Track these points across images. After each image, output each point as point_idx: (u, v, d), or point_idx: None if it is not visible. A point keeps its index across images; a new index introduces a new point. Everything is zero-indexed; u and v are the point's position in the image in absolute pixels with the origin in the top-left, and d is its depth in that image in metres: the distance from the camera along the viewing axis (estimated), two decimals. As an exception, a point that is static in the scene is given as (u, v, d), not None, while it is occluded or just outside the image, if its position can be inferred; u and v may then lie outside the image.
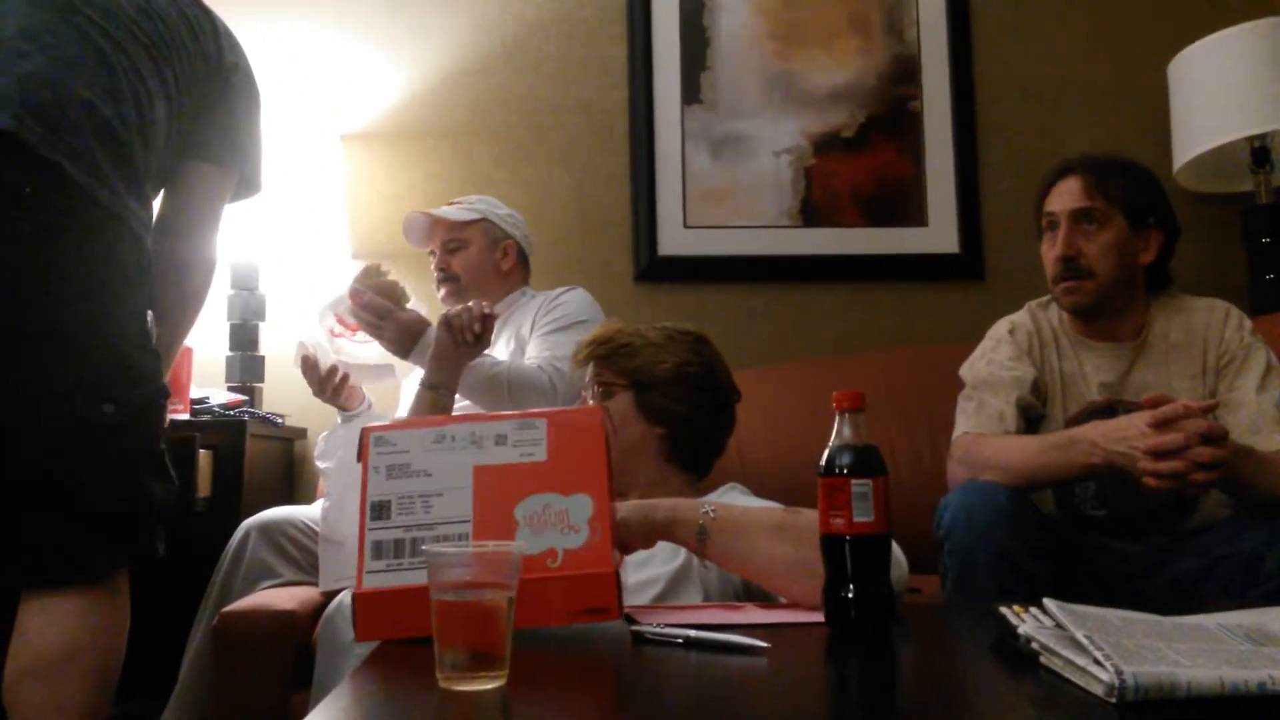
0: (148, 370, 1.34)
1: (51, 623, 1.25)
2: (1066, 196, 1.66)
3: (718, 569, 1.31)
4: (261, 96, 1.55)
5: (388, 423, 1.08)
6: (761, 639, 0.88)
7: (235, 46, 1.51)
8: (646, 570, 1.33)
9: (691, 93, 2.51)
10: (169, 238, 1.43)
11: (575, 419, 1.04)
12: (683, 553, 1.33)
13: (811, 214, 2.49)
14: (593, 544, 0.96)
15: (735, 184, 2.49)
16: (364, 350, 1.89)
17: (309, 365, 1.86)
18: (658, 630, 0.94)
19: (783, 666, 0.87)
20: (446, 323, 1.67)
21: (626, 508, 1.12)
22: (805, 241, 2.48)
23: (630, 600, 1.22)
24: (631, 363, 1.47)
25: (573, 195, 2.47)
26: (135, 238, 1.32)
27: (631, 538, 1.12)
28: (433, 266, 2.06)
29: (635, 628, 0.96)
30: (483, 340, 1.67)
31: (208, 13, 1.49)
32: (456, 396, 1.72)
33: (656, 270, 2.44)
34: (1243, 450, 1.41)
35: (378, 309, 1.73)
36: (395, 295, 1.76)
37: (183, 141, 1.43)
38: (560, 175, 2.47)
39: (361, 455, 1.02)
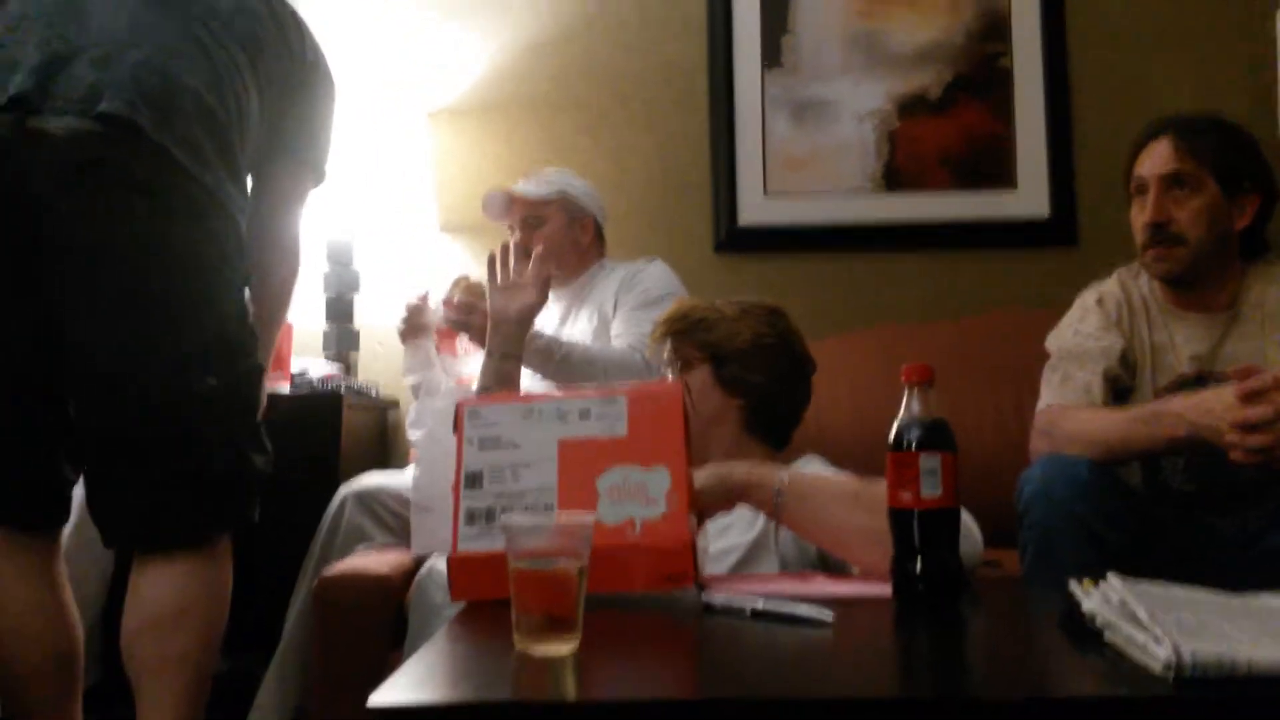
0: (247, 345, 1.43)
1: (162, 584, 1.36)
2: (1156, 160, 1.61)
3: (794, 539, 1.33)
4: (334, 92, 1.63)
5: (482, 397, 1.14)
6: (831, 611, 0.91)
7: (315, 46, 1.59)
8: (725, 539, 1.36)
9: (772, 56, 2.49)
10: (261, 227, 1.51)
11: (654, 395, 1.09)
12: (760, 523, 1.37)
13: (895, 179, 2.45)
14: (670, 515, 1.01)
15: (816, 150, 2.47)
16: (466, 368, 2.03)
17: (415, 311, 1.96)
18: (726, 601, 0.97)
19: (848, 638, 0.89)
20: (491, 271, 1.71)
21: (704, 472, 1.15)
22: (889, 208, 2.44)
23: (709, 568, 1.26)
24: (709, 336, 1.50)
25: (654, 164, 2.48)
26: (233, 220, 1.41)
27: (710, 501, 1.14)
28: (513, 243, 2.11)
29: (705, 598, 0.99)
30: (530, 292, 1.69)
31: (293, 13, 1.56)
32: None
33: (736, 240, 2.44)
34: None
35: (464, 305, 1.80)
36: (480, 293, 1.82)
37: (270, 136, 1.52)
38: (641, 144, 2.49)
39: (457, 427, 1.08)
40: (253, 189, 1.53)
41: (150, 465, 1.35)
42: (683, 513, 1.01)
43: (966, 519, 1.12)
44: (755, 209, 2.45)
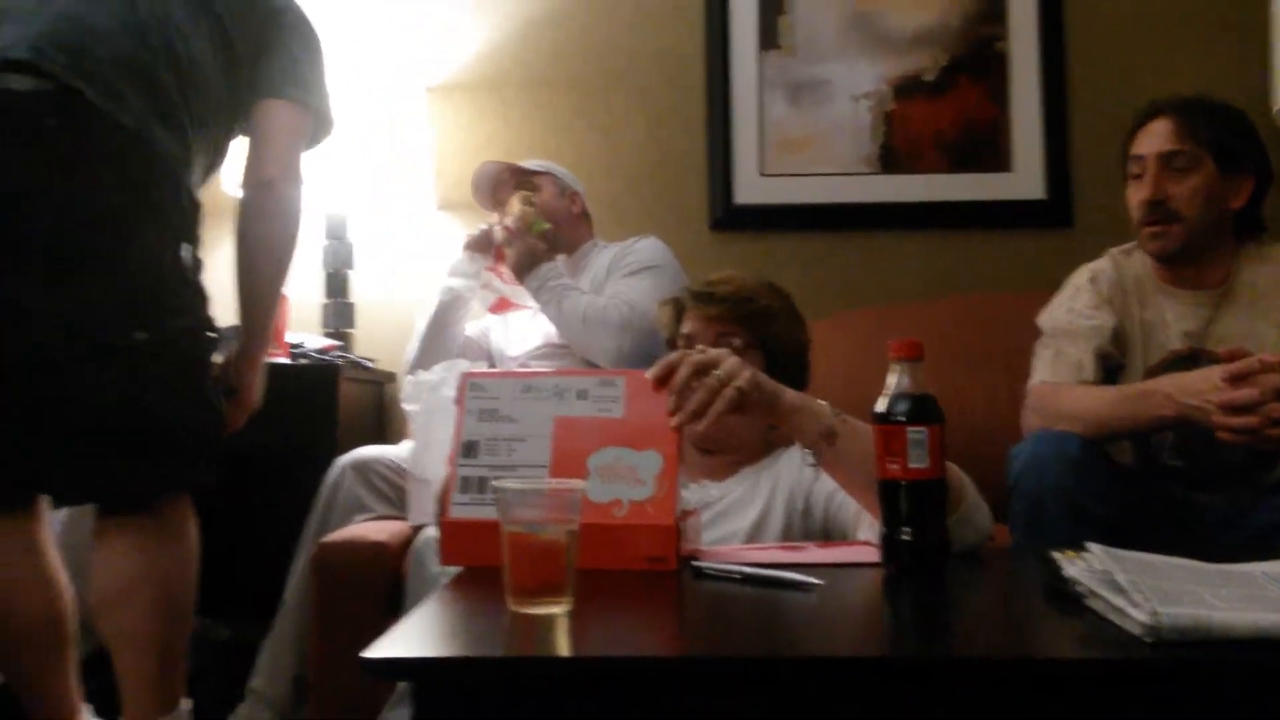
0: (185, 302, 1.39)
1: (112, 558, 1.34)
2: (1155, 139, 1.62)
3: (800, 519, 1.34)
4: (320, 37, 1.59)
5: (484, 370, 1.16)
6: (819, 578, 0.92)
7: None
8: (726, 525, 1.36)
9: (769, 37, 2.49)
10: (250, 181, 1.49)
11: (647, 379, 1.10)
12: (759, 505, 1.37)
13: (891, 160, 2.46)
14: (657, 498, 1.03)
15: (813, 130, 2.47)
16: (508, 289, 2.12)
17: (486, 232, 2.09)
18: (716, 566, 0.99)
19: (834, 601, 0.91)
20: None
21: (750, 371, 1.10)
22: (884, 188, 2.45)
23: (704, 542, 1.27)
24: (769, 328, 1.48)
25: (649, 143, 2.49)
26: (165, 166, 1.36)
27: (750, 402, 1.08)
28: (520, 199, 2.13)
29: (695, 563, 1.01)
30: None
31: None
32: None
33: (732, 219, 2.45)
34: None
35: (519, 224, 1.99)
36: (529, 221, 2.00)
37: (251, 83, 1.49)
38: (636, 123, 2.49)
39: (459, 398, 1.10)
40: (248, 144, 1.52)
41: (72, 420, 1.30)
42: (670, 496, 1.03)
43: (976, 497, 1.13)
44: (751, 188, 2.46)
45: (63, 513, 1.66)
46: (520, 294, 2.06)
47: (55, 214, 1.29)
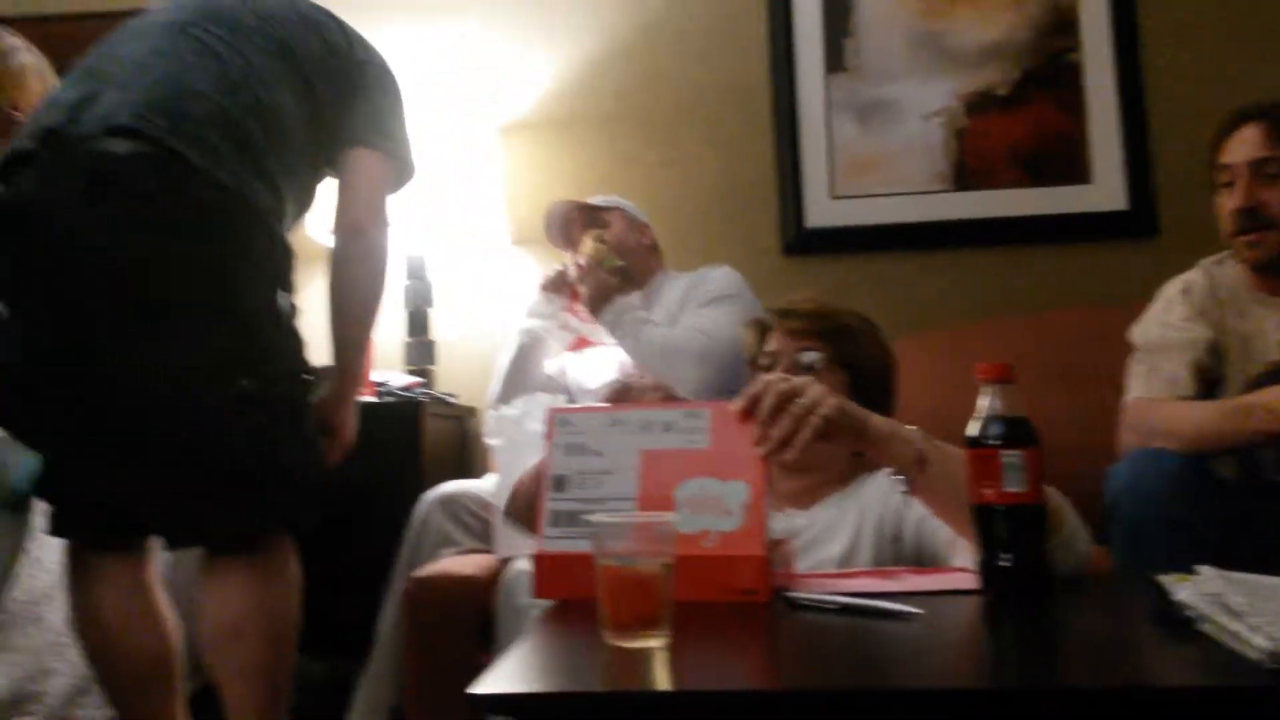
0: (284, 347, 1.44)
1: (221, 597, 1.39)
2: (1245, 146, 1.57)
3: (890, 546, 1.32)
4: (400, 86, 1.65)
5: (572, 406, 1.19)
6: (917, 606, 0.91)
7: (365, 45, 1.63)
8: (815, 554, 1.34)
9: (835, 60, 2.49)
10: (340, 227, 1.55)
11: (732, 410, 1.10)
12: (848, 533, 1.35)
13: (964, 177, 2.43)
14: (746, 528, 1.03)
15: (883, 151, 2.46)
16: (585, 327, 2.14)
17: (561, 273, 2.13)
18: (811, 596, 0.98)
19: (936, 631, 0.89)
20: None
21: (836, 400, 1.09)
22: (958, 206, 2.42)
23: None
24: (851, 348, 1.47)
25: (718, 172, 2.50)
26: (260, 218, 1.41)
27: (836, 429, 1.07)
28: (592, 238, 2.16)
29: (790, 594, 1.00)
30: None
31: (330, 16, 1.61)
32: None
33: (804, 243, 2.44)
34: None
35: (592, 262, 2.02)
36: (601, 258, 2.04)
37: (335, 131, 1.55)
38: (705, 153, 2.51)
39: (547, 433, 1.13)
40: (339, 186, 1.57)
41: (184, 467, 1.36)
42: (758, 526, 1.02)
43: (1076, 520, 1.10)
44: (822, 211, 2.45)
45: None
46: (597, 331, 2.09)
47: (163, 272, 1.35)
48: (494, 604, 1.61)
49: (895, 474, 1.13)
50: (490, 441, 2.06)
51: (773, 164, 2.48)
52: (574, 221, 2.18)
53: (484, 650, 1.58)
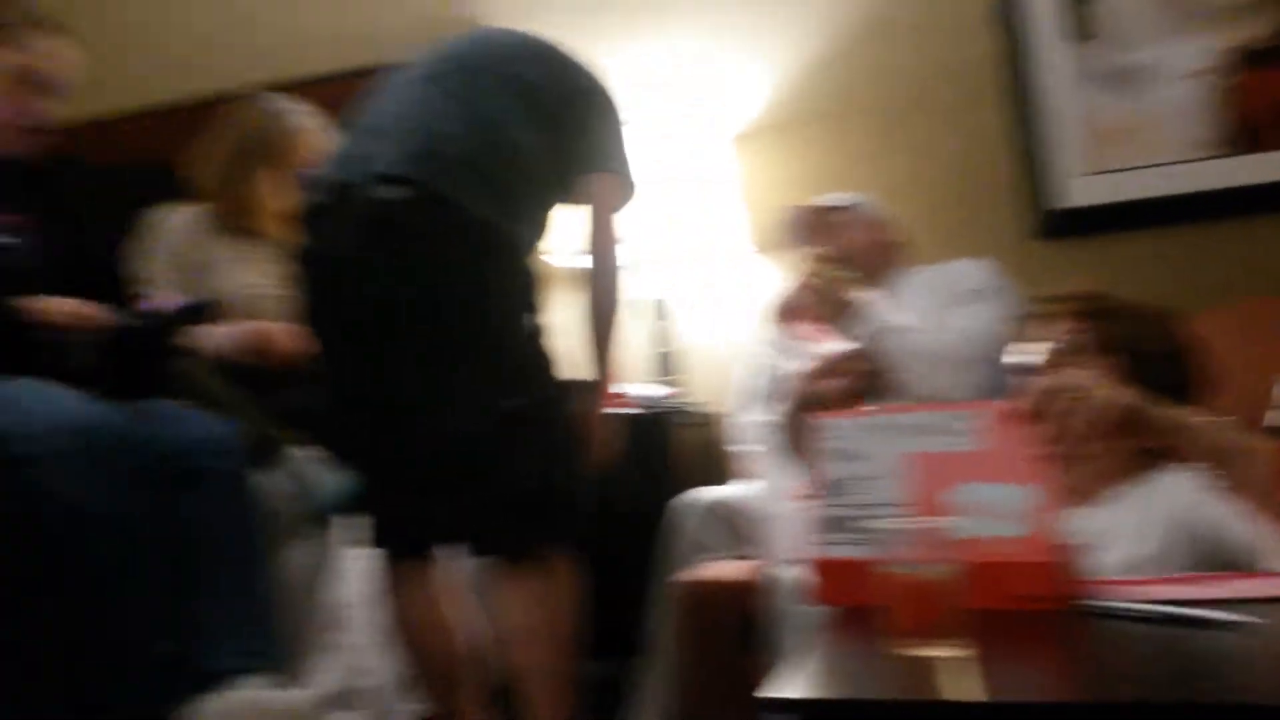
0: (542, 367, 1.58)
1: (515, 606, 1.56)
2: None
3: (1185, 547, 1.21)
4: (619, 109, 1.75)
5: (833, 412, 1.21)
6: (1247, 614, 0.84)
7: (588, 73, 1.73)
8: (1102, 555, 1.25)
9: (1075, 28, 2.33)
10: (585, 249, 1.66)
11: (1002, 411, 1.08)
12: (1136, 534, 1.25)
13: (1237, 139, 2.20)
14: (1031, 532, 0.99)
15: (1138, 120, 2.27)
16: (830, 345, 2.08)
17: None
18: (1109, 604, 0.93)
19: (1266, 641, 0.82)
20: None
21: (1133, 394, 1.04)
22: (1234, 171, 2.19)
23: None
24: (1126, 329, 1.38)
25: (955, 159, 2.41)
26: (512, 248, 1.55)
27: (1125, 424, 1.02)
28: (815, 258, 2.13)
29: (1088, 601, 0.95)
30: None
31: (557, 49, 1.72)
32: None
33: (1055, 225, 2.30)
34: None
35: (822, 282, 1.92)
36: (826, 279, 1.94)
37: (570, 159, 1.66)
38: (939, 141, 2.42)
39: (817, 440, 1.15)
40: (585, 214, 1.69)
41: (481, 485, 1.52)
42: (1046, 530, 0.99)
43: None
44: (1077, 190, 2.30)
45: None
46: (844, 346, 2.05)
47: (437, 307, 1.50)
48: (756, 609, 1.63)
49: (1193, 468, 1.05)
50: (738, 448, 2.09)
51: (1011, 145, 2.36)
52: (807, 225, 2.16)
53: (751, 655, 1.61)
